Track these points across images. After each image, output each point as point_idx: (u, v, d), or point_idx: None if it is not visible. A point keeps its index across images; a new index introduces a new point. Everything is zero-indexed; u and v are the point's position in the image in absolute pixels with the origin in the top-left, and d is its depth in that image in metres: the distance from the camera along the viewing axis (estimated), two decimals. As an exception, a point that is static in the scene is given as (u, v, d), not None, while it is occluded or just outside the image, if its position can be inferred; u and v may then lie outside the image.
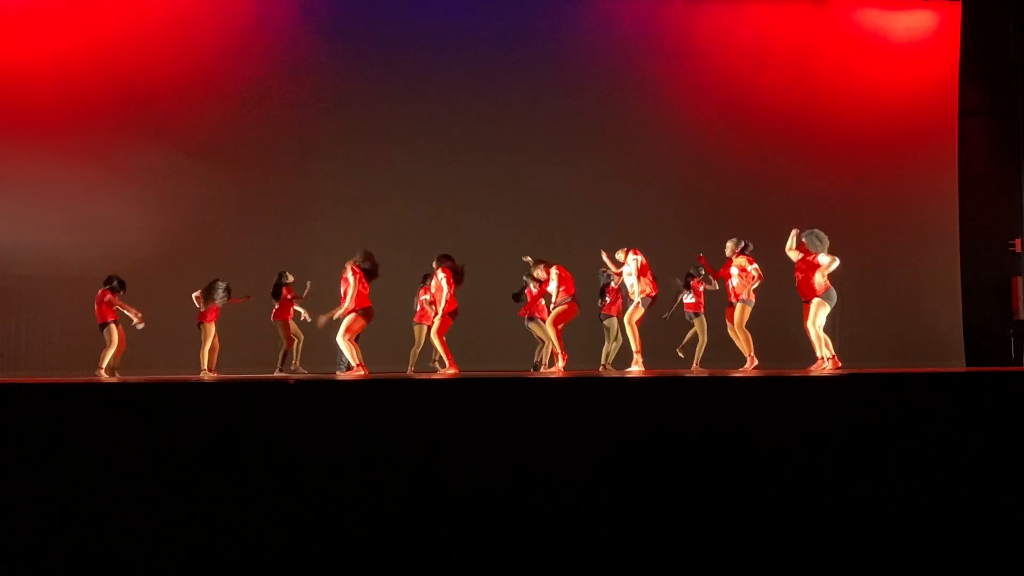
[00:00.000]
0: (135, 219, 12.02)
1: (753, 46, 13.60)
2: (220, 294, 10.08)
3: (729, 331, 9.42)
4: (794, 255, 8.63)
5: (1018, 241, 13.34)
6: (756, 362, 9.25)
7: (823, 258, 8.44)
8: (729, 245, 9.40)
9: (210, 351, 10.15)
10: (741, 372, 8.70)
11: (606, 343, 10.26)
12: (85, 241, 11.80)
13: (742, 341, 9.25)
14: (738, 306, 9.20)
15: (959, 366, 12.62)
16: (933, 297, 13.40)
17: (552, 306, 9.16)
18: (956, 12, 13.67)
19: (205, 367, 10.16)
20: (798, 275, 8.62)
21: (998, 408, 5.33)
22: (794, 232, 8.67)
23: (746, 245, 9.36)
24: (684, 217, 13.00)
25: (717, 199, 13.12)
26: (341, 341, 8.58)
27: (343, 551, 4.89)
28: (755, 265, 9.20)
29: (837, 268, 8.51)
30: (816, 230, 8.61)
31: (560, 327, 9.11)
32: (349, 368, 8.89)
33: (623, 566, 4.77)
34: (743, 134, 13.38)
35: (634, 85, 13.28)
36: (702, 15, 13.66)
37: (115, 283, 10.02)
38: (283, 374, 9.99)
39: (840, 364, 8.64)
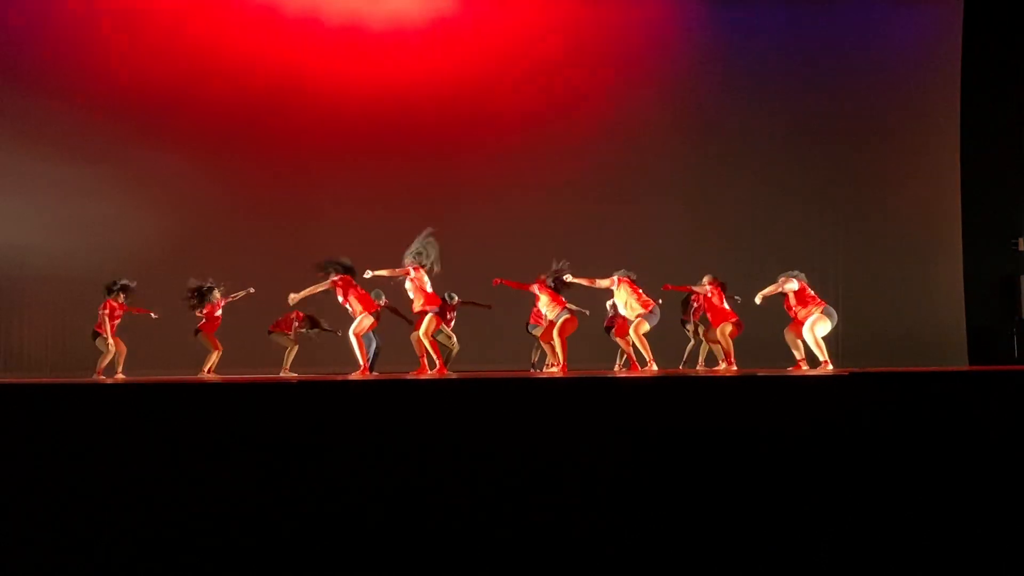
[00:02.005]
0: (138, 220, 12.01)
1: (754, 45, 13.55)
2: (215, 295, 10.11)
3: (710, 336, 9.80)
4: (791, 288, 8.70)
5: (1022, 240, 13.30)
6: (735, 367, 9.35)
7: (791, 284, 8.66)
8: (706, 279, 9.54)
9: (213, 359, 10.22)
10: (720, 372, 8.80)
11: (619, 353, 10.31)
12: (87, 242, 11.80)
13: (722, 347, 9.49)
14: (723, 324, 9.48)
15: (962, 365, 12.58)
16: (936, 296, 13.36)
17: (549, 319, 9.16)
18: (958, 10, 13.62)
19: (206, 369, 10.19)
20: (793, 307, 8.75)
21: (1002, 407, 5.31)
22: (782, 281, 8.76)
23: (723, 285, 9.54)
24: (686, 218, 12.95)
25: (719, 199, 13.08)
26: (353, 339, 8.59)
27: (344, 550, 4.88)
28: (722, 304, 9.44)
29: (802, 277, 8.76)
30: (796, 271, 8.81)
31: (565, 338, 9.12)
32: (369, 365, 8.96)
33: (624, 566, 4.76)
34: (744, 134, 13.34)
35: (635, 88, 13.25)
36: (702, 16, 13.62)
37: (117, 288, 10.02)
38: (291, 374, 9.97)
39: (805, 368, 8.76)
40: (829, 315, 8.62)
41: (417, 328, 8.83)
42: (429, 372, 8.78)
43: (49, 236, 11.81)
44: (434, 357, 8.69)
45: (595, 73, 13.22)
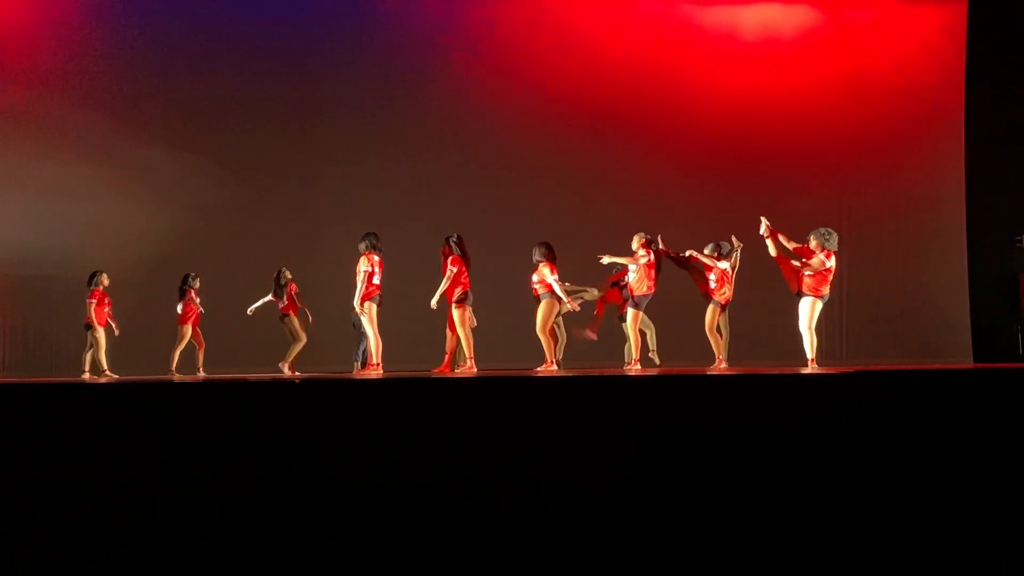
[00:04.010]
0: (140, 220, 11.96)
1: (758, 44, 13.52)
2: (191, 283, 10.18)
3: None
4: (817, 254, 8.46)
5: (1025, 237, 13.28)
6: (724, 364, 9.15)
7: (822, 257, 8.38)
8: (707, 250, 9.33)
9: (182, 351, 10.22)
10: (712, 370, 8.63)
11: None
12: (89, 242, 11.77)
13: (712, 342, 9.18)
14: (709, 307, 9.19)
15: (967, 362, 12.54)
16: (940, 293, 13.31)
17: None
18: (962, 8, 13.58)
19: (173, 368, 10.16)
20: (809, 271, 8.49)
21: (1006, 404, 5.28)
22: (812, 238, 8.51)
23: (720, 247, 9.30)
24: (689, 214, 12.88)
25: (723, 195, 13.02)
26: (370, 332, 8.53)
27: (345, 550, 4.87)
28: (724, 264, 9.18)
29: (835, 266, 8.46)
30: (827, 229, 8.52)
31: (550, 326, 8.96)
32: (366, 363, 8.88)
33: (624, 565, 4.74)
34: (749, 132, 13.29)
35: (638, 83, 13.20)
36: (704, 13, 13.59)
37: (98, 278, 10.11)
38: (295, 373, 9.91)
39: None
40: (822, 300, 8.43)
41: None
42: (468, 367, 8.67)
43: (52, 236, 11.79)
44: (445, 352, 8.67)
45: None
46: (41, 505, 4.91)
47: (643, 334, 9.50)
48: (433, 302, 8.57)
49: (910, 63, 13.61)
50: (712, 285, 9.24)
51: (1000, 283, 13.31)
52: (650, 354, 9.80)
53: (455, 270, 8.54)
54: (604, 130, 13.04)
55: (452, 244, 8.73)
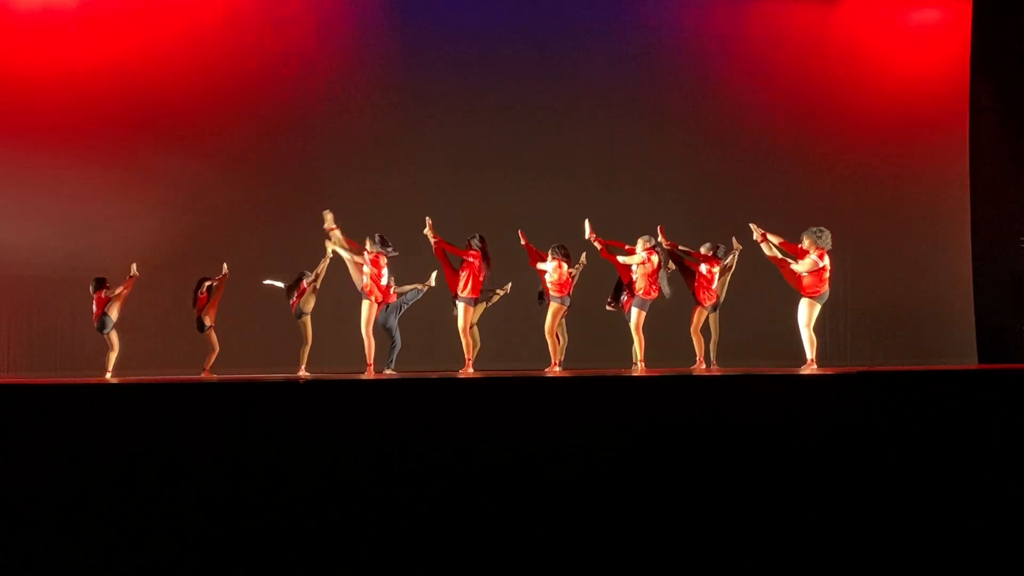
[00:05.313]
0: (144, 221, 12.00)
1: (762, 41, 13.49)
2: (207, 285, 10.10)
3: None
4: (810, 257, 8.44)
5: (1029, 236, 13.25)
6: (704, 365, 9.19)
7: (814, 256, 8.34)
8: (703, 249, 9.37)
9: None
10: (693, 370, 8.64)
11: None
12: (92, 242, 11.80)
13: (695, 343, 9.20)
14: (697, 309, 9.22)
15: (971, 363, 12.50)
16: (945, 293, 13.29)
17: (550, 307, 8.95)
18: (967, 7, 13.56)
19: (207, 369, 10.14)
20: (803, 271, 8.49)
21: (1011, 405, 5.26)
22: (805, 237, 8.48)
23: (717, 249, 9.36)
24: (690, 213, 12.85)
25: (725, 193, 13.00)
26: (364, 332, 8.57)
27: (344, 550, 4.86)
28: (714, 267, 9.24)
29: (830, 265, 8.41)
30: (819, 228, 8.46)
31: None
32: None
33: (624, 565, 4.72)
34: (751, 129, 13.28)
35: (643, 78, 13.19)
36: (712, 9, 13.56)
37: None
38: (309, 373, 9.85)
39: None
40: (820, 300, 8.42)
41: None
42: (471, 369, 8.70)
43: (55, 237, 11.82)
44: (466, 354, 8.66)
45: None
46: (41, 505, 4.91)
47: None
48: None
49: (914, 62, 13.60)
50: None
51: (1005, 283, 13.28)
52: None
53: (476, 264, 8.70)
54: (589, 132, 13.07)
55: (475, 244, 8.81)
